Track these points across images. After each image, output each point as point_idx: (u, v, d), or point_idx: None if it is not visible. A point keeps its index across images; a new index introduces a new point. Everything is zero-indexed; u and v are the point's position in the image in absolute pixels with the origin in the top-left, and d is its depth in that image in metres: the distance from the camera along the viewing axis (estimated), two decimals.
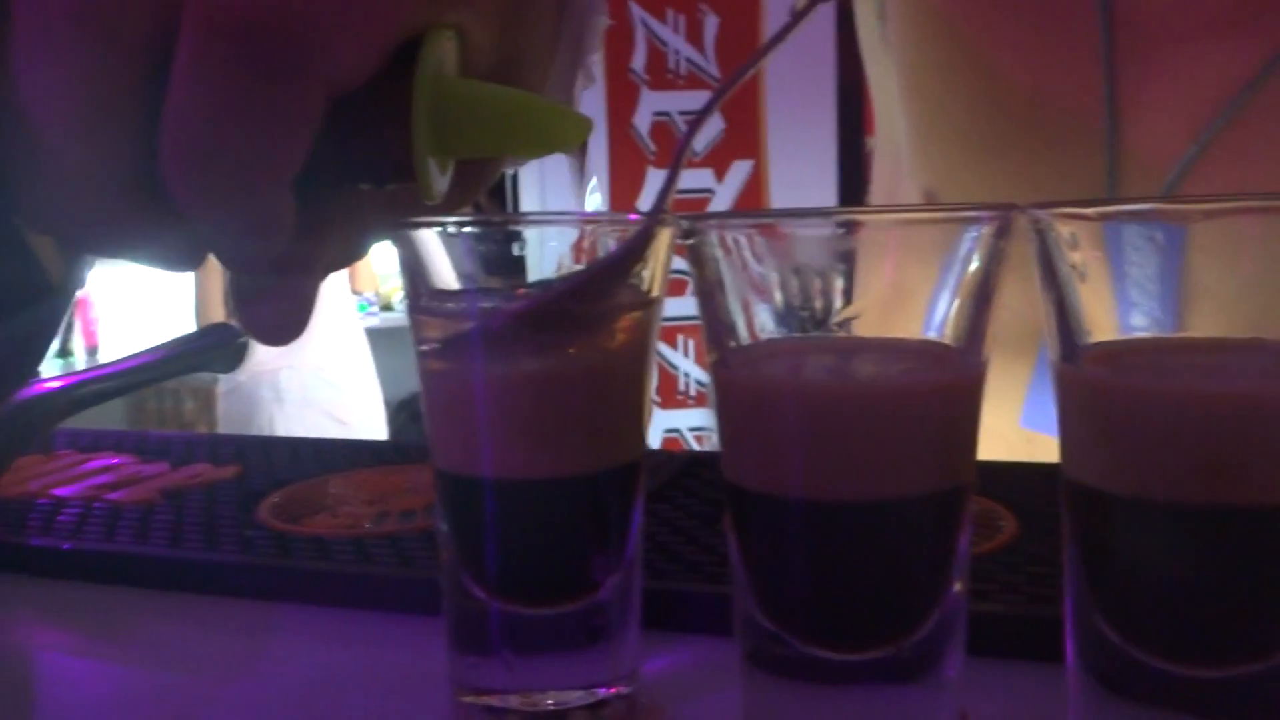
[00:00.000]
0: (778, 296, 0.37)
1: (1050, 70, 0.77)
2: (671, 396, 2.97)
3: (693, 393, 2.96)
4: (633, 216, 0.41)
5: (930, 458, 0.36)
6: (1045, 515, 0.58)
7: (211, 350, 0.75)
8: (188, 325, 2.71)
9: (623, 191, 2.78)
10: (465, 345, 0.40)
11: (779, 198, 2.85)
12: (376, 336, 3.07)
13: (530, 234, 0.41)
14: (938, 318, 0.36)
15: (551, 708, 0.42)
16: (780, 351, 0.37)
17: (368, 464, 0.78)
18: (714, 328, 0.38)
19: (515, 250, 0.41)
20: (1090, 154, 0.75)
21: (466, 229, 0.40)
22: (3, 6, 0.31)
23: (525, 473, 0.41)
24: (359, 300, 3.81)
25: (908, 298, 0.36)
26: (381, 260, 4.11)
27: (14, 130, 0.32)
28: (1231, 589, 0.34)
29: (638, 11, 2.81)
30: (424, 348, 0.42)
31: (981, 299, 0.36)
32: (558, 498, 0.42)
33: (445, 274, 0.41)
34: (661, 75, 2.86)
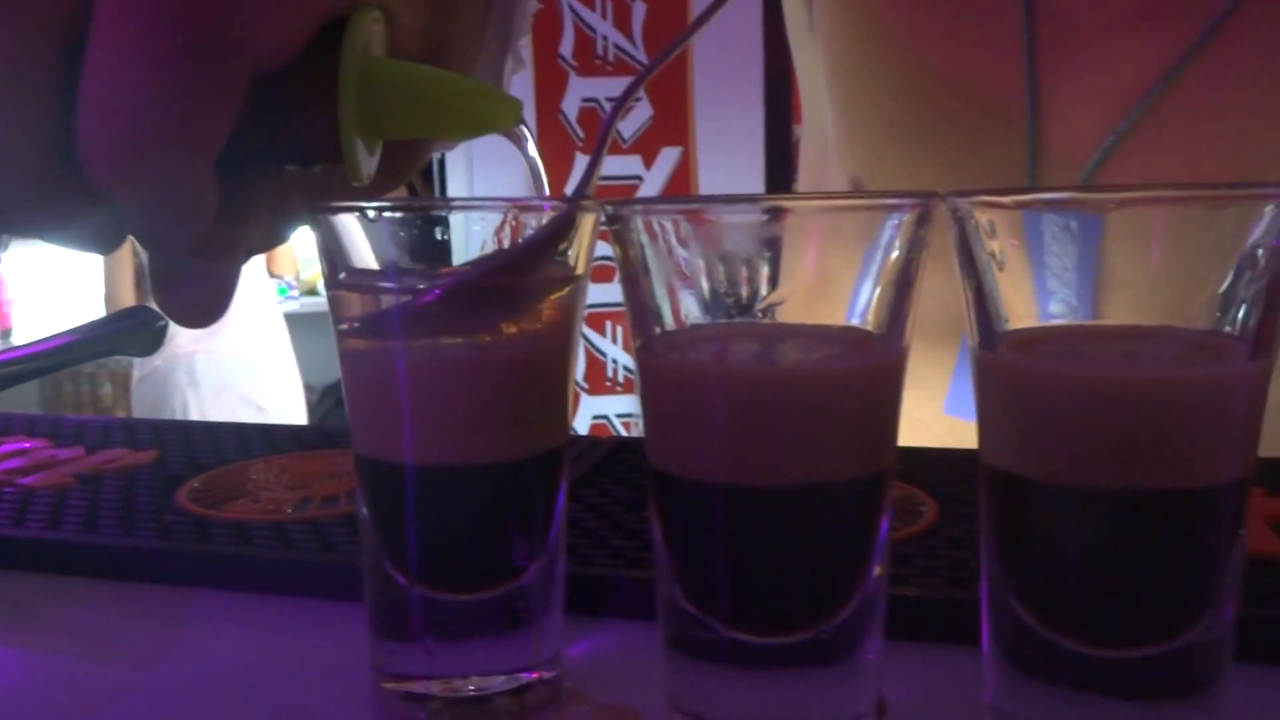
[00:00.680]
0: (703, 282, 0.37)
1: (973, 61, 0.79)
2: (599, 383, 2.97)
3: (620, 379, 2.97)
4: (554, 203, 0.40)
5: (852, 442, 0.36)
6: (966, 501, 0.59)
7: (128, 333, 0.73)
8: (98, 309, 2.65)
9: (551, 177, 2.76)
10: (386, 325, 0.40)
11: (707, 185, 2.86)
12: (297, 321, 3.03)
13: (454, 219, 0.41)
14: (860, 304, 0.37)
15: (473, 693, 0.42)
16: (704, 337, 0.37)
17: (290, 449, 0.76)
18: (639, 313, 0.38)
19: (438, 235, 0.40)
20: (1012, 144, 0.77)
21: (387, 213, 0.40)
22: None
23: (447, 459, 0.41)
24: (278, 284, 3.76)
25: (831, 284, 0.37)
26: (302, 244, 4.04)
27: None
28: (1141, 571, 0.35)
29: None
30: (343, 327, 0.41)
31: (903, 286, 0.37)
32: (480, 484, 0.41)
33: (366, 260, 0.40)
34: (590, 61, 2.85)
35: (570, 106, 2.85)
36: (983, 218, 0.35)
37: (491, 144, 0.41)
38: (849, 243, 0.36)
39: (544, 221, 0.40)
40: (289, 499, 0.64)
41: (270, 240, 0.40)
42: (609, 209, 0.38)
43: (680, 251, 0.36)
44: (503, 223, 0.41)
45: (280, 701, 0.44)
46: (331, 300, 0.41)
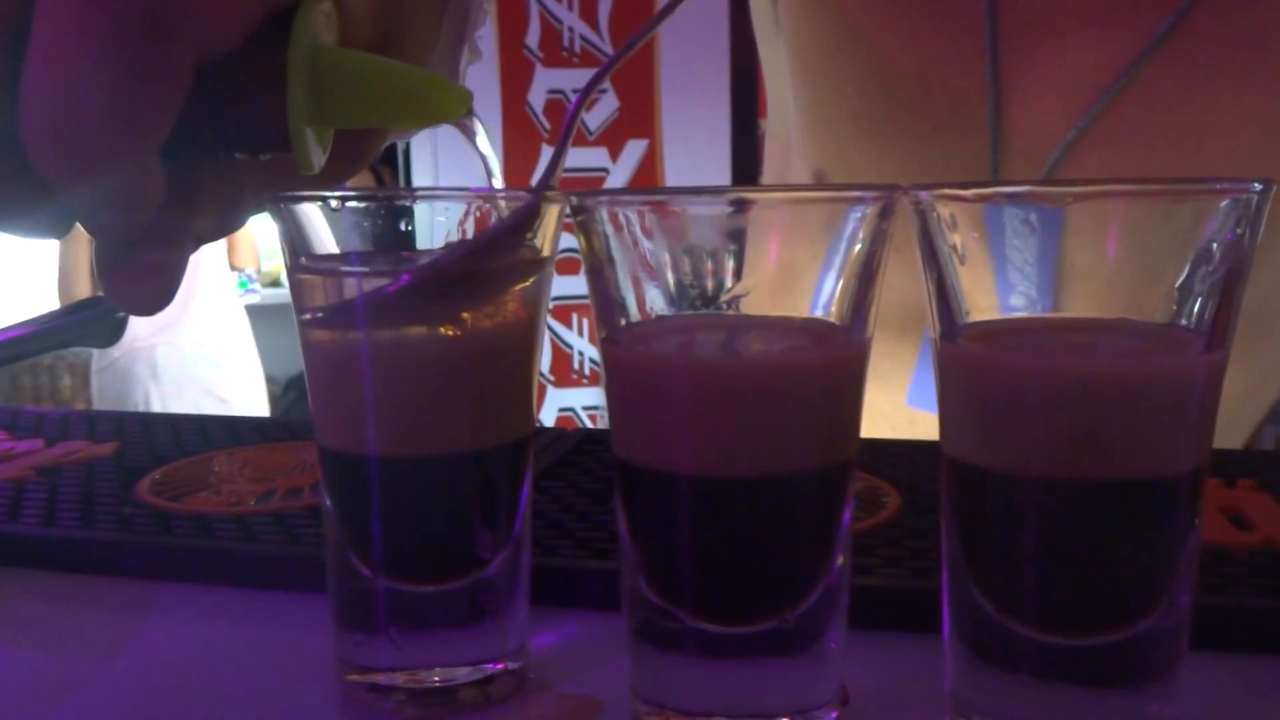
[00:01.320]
0: (667, 274, 0.37)
1: (936, 55, 0.79)
2: (566, 375, 2.97)
3: (586, 372, 2.97)
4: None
5: (815, 433, 0.37)
6: (928, 492, 0.60)
7: (87, 325, 0.73)
8: (51, 300, 2.61)
9: (517, 169, 2.76)
10: (350, 313, 0.40)
11: (673, 177, 2.86)
12: (259, 313, 3.01)
13: (418, 208, 0.41)
14: (824, 296, 0.37)
15: (438, 684, 0.42)
16: (669, 329, 0.37)
17: (252, 442, 0.76)
18: (604, 305, 0.38)
19: (402, 225, 0.40)
20: (974, 137, 0.77)
21: (350, 203, 0.39)
22: None
23: (411, 449, 0.40)
24: (240, 277, 3.72)
25: (795, 276, 0.37)
26: (264, 236, 4.01)
27: None
28: (1099, 560, 0.35)
29: None
30: (306, 315, 0.41)
31: (866, 278, 0.37)
32: (445, 475, 0.41)
33: (329, 250, 0.40)
34: (556, 53, 2.85)
35: (536, 98, 2.84)
36: (944, 211, 0.36)
37: (456, 133, 0.41)
38: (813, 235, 0.36)
39: (508, 212, 0.40)
40: (252, 491, 0.63)
41: (220, 229, 0.39)
42: (574, 200, 0.38)
43: (645, 243, 0.37)
44: (467, 213, 0.41)
45: (243, 695, 0.44)
46: (294, 286, 0.41)
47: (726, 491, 0.36)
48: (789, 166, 0.92)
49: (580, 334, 2.93)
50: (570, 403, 2.99)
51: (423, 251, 0.40)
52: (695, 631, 0.38)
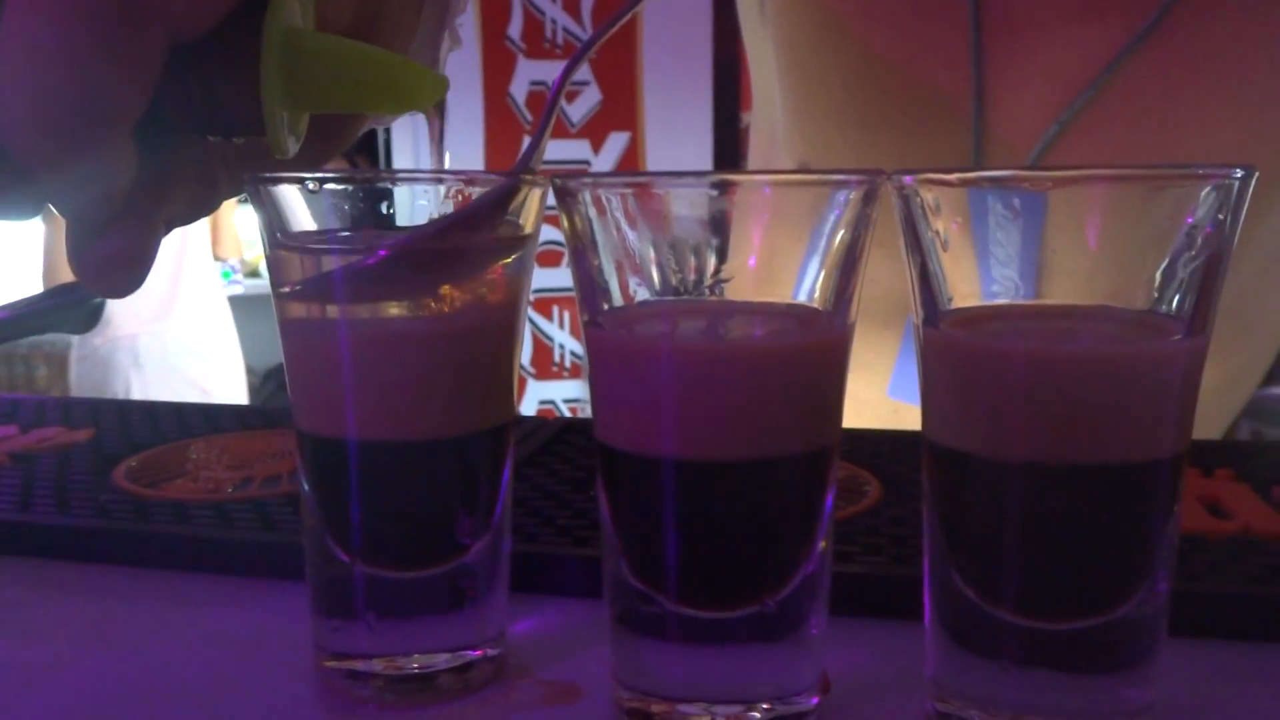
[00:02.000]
0: (650, 258, 0.37)
1: (920, 49, 0.79)
2: (546, 368, 2.97)
3: (567, 364, 2.96)
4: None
5: (797, 418, 0.37)
6: (909, 481, 0.60)
7: (64, 310, 0.72)
8: (35, 284, 2.59)
9: (498, 160, 2.76)
10: (328, 285, 0.39)
11: (655, 169, 2.86)
12: (240, 304, 2.99)
13: (398, 191, 0.40)
14: (807, 281, 0.37)
15: (417, 671, 0.42)
16: (652, 313, 0.37)
17: (230, 429, 0.75)
18: (587, 289, 0.38)
19: (382, 208, 0.40)
20: (957, 131, 0.78)
21: (329, 185, 0.39)
22: None
23: (390, 434, 0.40)
24: (222, 267, 3.71)
25: (778, 261, 0.37)
26: (246, 226, 3.99)
27: None
28: (1079, 546, 0.35)
29: None
30: (285, 290, 0.40)
31: (849, 263, 0.37)
32: (424, 461, 0.41)
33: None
34: (538, 44, 2.84)
35: (518, 89, 2.83)
36: (928, 196, 0.36)
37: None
38: (796, 220, 0.36)
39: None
40: (230, 479, 0.63)
41: (194, 212, 0.39)
42: (558, 183, 0.37)
43: (628, 227, 0.36)
44: (447, 196, 0.40)
45: (221, 682, 0.44)
46: (271, 263, 0.40)
47: (709, 476, 0.36)
48: (774, 159, 0.92)
49: (561, 326, 2.93)
50: (551, 395, 2.98)
51: (404, 227, 0.40)
52: (676, 617, 0.37)
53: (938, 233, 0.36)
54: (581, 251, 0.37)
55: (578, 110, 2.83)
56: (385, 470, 0.41)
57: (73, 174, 0.32)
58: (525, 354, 2.91)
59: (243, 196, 0.41)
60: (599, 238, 0.37)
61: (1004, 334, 0.36)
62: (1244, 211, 0.34)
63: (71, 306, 0.72)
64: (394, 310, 0.40)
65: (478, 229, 0.39)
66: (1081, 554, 0.35)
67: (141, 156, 0.33)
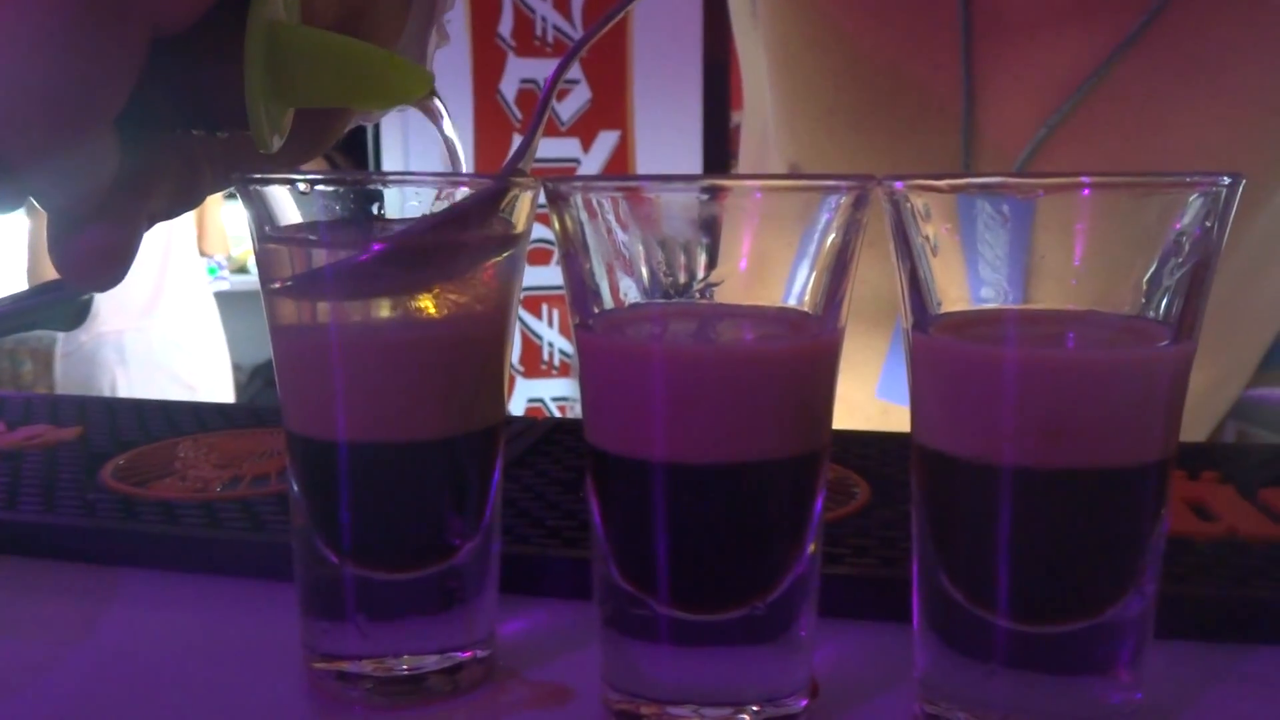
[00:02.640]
0: (641, 261, 0.37)
1: (910, 51, 0.79)
2: (535, 366, 2.96)
3: (556, 363, 2.96)
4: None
5: (787, 422, 0.37)
6: (898, 483, 0.60)
7: (51, 307, 0.71)
8: (20, 281, 2.58)
9: (488, 158, 2.75)
10: (319, 281, 0.39)
11: (645, 169, 2.86)
12: (226, 300, 2.98)
13: (388, 192, 0.40)
14: (797, 285, 0.37)
15: (406, 673, 0.42)
16: (643, 316, 0.37)
17: (219, 428, 0.75)
18: (578, 291, 0.38)
19: (373, 209, 0.40)
20: (947, 133, 0.78)
21: (319, 186, 0.39)
22: None
23: (380, 435, 0.40)
24: (209, 263, 3.69)
25: (769, 265, 0.37)
26: (233, 222, 3.98)
27: None
28: (1068, 549, 0.35)
29: None
30: (274, 285, 0.40)
31: (839, 268, 0.37)
32: (414, 462, 0.41)
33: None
34: (529, 42, 2.83)
35: (508, 87, 2.82)
36: (918, 201, 0.36)
37: (427, 118, 0.41)
38: (787, 224, 0.36)
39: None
40: (218, 477, 0.63)
41: (177, 207, 0.39)
42: (549, 186, 0.37)
43: (619, 230, 0.36)
44: (438, 197, 0.40)
45: (209, 683, 0.44)
46: (261, 260, 0.40)
47: (699, 479, 0.36)
48: (764, 159, 0.92)
49: (550, 325, 2.93)
50: (539, 394, 2.98)
51: (394, 220, 0.40)
52: (666, 619, 0.38)
53: (927, 238, 0.36)
54: (572, 254, 0.37)
55: (567, 108, 2.83)
56: (375, 471, 0.41)
57: (52, 167, 0.32)
58: (514, 352, 2.91)
59: (229, 192, 0.41)
60: (590, 240, 0.37)
61: (992, 339, 0.36)
62: (1231, 218, 0.34)
63: (58, 304, 0.72)
64: (385, 312, 0.40)
65: (468, 226, 0.39)
66: (1069, 557, 0.35)
67: (124, 150, 0.33)
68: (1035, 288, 0.36)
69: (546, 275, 2.72)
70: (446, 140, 0.43)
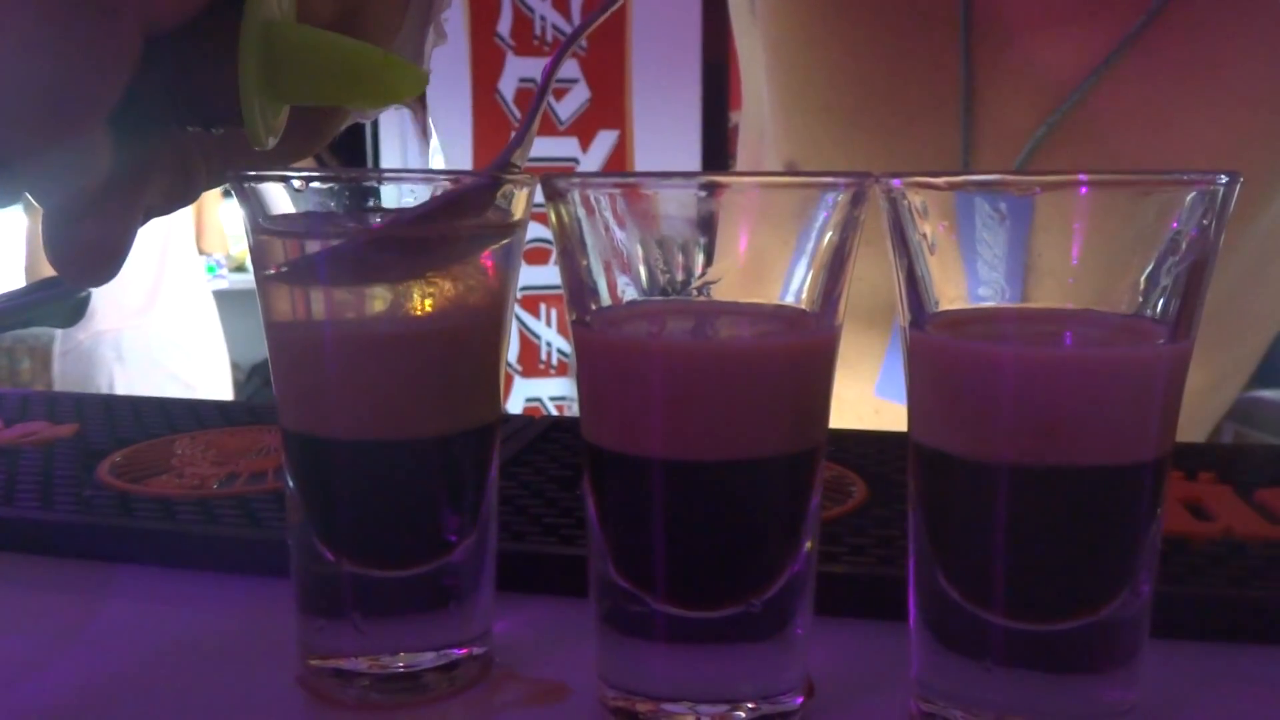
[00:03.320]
0: (639, 258, 0.37)
1: (910, 49, 0.79)
2: (533, 365, 2.96)
3: (554, 362, 2.96)
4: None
5: (784, 419, 0.37)
6: (895, 482, 0.60)
7: (48, 304, 0.71)
8: (18, 278, 2.58)
9: (487, 157, 2.75)
10: (313, 268, 0.39)
11: (644, 168, 2.86)
12: (225, 299, 2.98)
13: (385, 190, 0.40)
14: (794, 282, 0.37)
15: (402, 670, 0.42)
16: (640, 313, 0.37)
17: (216, 425, 0.75)
18: (575, 288, 0.38)
19: (369, 205, 0.40)
20: (946, 132, 0.78)
21: (314, 184, 0.39)
22: None
23: (376, 434, 0.40)
24: (207, 262, 3.69)
25: (766, 262, 0.37)
26: (231, 221, 3.97)
27: None
28: (1064, 547, 0.35)
29: None
30: (270, 272, 0.40)
31: (836, 265, 0.37)
32: (410, 460, 0.41)
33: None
34: (528, 41, 2.84)
35: (507, 86, 2.83)
36: (916, 199, 0.36)
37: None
38: (784, 221, 0.36)
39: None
40: (215, 474, 0.63)
41: (171, 203, 0.39)
42: (547, 182, 0.37)
43: (616, 227, 0.36)
44: (432, 195, 0.40)
45: (205, 679, 0.44)
46: (255, 254, 0.40)
47: (695, 476, 0.36)
48: (762, 158, 0.92)
49: (549, 324, 2.93)
50: (537, 393, 2.98)
51: (389, 210, 0.40)
52: (662, 616, 0.38)
53: (925, 235, 0.36)
54: (570, 251, 0.37)
55: (566, 108, 2.83)
56: (371, 469, 0.41)
57: (46, 163, 0.32)
58: (512, 351, 2.91)
59: (227, 189, 0.41)
60: (587, 238, 0.37)
61: (990, 337, 0.36)
62: (1228, 217, 0.34)
63: (56, 300, 0.72)
64: (379, 308, 0.40)
65: (463, 212, 0.39)
66: (1065, 555, 0.35)
67: (118, 146, 0.33)
68: (1032, 286, 0.35)
69: (545, 275, 2.72)
70: (426, 134, 0.42)
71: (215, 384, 2.72)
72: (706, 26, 2.79)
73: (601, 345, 0.38)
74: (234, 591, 0.52)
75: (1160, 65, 0.73)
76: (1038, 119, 0.76)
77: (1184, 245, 0.34)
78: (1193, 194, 0.34)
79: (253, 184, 0.39)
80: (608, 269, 0.37)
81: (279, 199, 0.39)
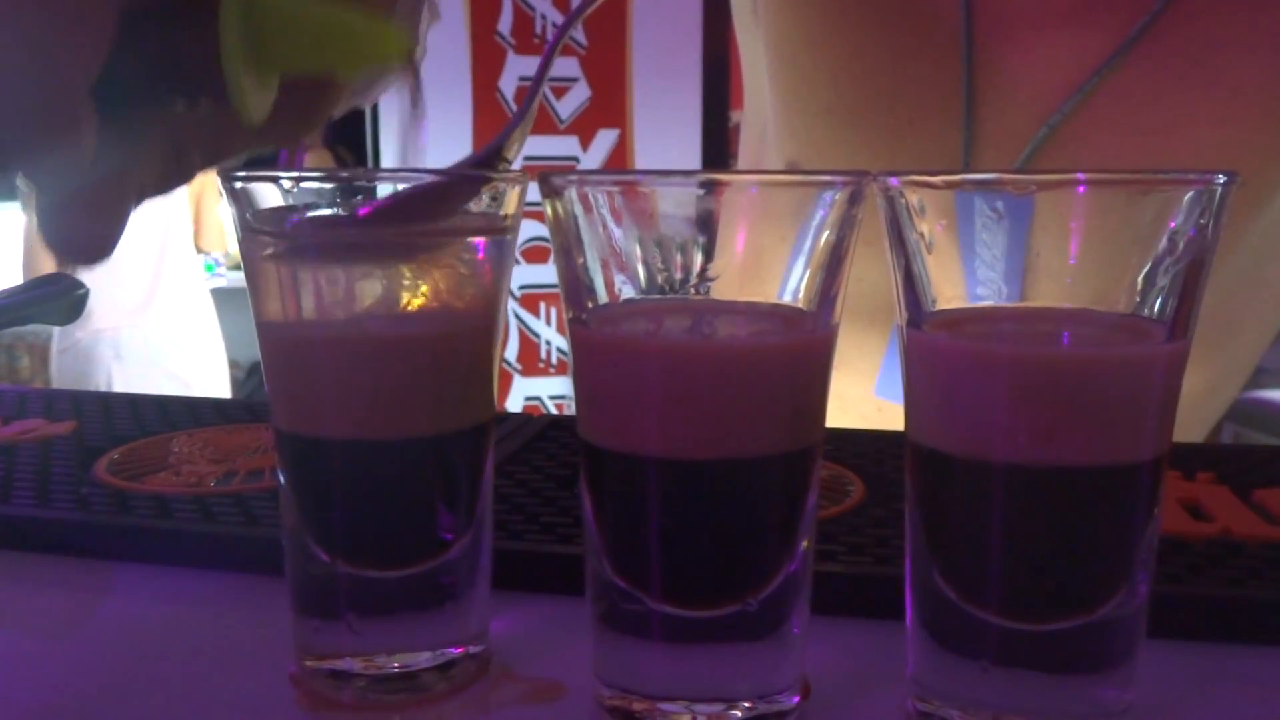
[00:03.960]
0: (636, 257, 0.37)
1: (911, 49, 0.79)
2: (533, 364, 2.96)
3: (554, 361, 2.96)
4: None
5: (781, 418, 0.37)
6: (892, 481, 0.60)
7: (47, 301, 0.71)
8: (15, 275, 2.57)
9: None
10: (301, 246, 0.39)
11: (644, 167, 2.86)
12: (223, 297, 2.98)
13: (380, 189, 0.40)
14: (792, 281, 0.37)
15: (398, 670, 0.42)
16: (638, 311, 0.37)
17: (213, 423, 0.75)
18: (572, 286, 0.38)
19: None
20: (947, 132, 0.78)
21: (304, 183, 0.39)
22: None
23: (369, 434, 0.40)
24: (206, 260, 3.69)
25: (764, 261, 0.37)
26: (229, 219, 3.97)
27: None
28: (1061, 547, 0.35)
29: None
30: (261, 258, 0.40)
31: (834, 264, 0.37)
32: (404, 459, 0.41)
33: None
34: (528, 39, 2.83)
35: (507, 84, 2.82)
36: (913, 198, 0.36)
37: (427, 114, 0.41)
38: (782, 220, 0.36)
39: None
40: (212, 472, 0.63)
41: (165, 183, 0.39)
42: (544, 180, 0.37)
43: (614, 225, 0.36)
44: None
45: (200, 678, 0.44)
46: (245, 250, 0.40)
47: (692, 475, 0.36)
48: (763, 157, 0.92)
49: (548, 323, 2.93)
50: (537, 391, 2.98)
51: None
52: (659, 615, 0.37)
53: (923, 235, 0.36)
54: (567, 249, 0.37)
55: (566, 107, 2.83)
56: (365, 469, 0.41)
57: (29, 137, 0.31)
58: (512, 350, 2.91)
59: None
60: (585, 235, 0.37)
61: (987, 336, 0.36)
62: (1226, 216, 0.34)
63: (53, 297, 0.71)
64: (371, 306, 0.40)
65: (457, 194, 0.39)
66: (1062, 555, 0.35)
67: (106, 123, 0.33)
68: (1030, 285, 0.35)
69: (545, 273, 2.72)
70: (416, 106, 0.42)
71: (213, 382, 2.72)
72: (707, 25, 2.78)
73: (598, 343, 0.38)
74: (231, 589, 0.52)
75: (1161, 65, 0.73)
76: (1039, 120, 0.76)
77: (1181, 245, 0.34)
78: (1191, 194, 0.34)
79: (243, 184, 0.38)
80: (605, 267, 0.37)
81: (268, 198, 0.39)
